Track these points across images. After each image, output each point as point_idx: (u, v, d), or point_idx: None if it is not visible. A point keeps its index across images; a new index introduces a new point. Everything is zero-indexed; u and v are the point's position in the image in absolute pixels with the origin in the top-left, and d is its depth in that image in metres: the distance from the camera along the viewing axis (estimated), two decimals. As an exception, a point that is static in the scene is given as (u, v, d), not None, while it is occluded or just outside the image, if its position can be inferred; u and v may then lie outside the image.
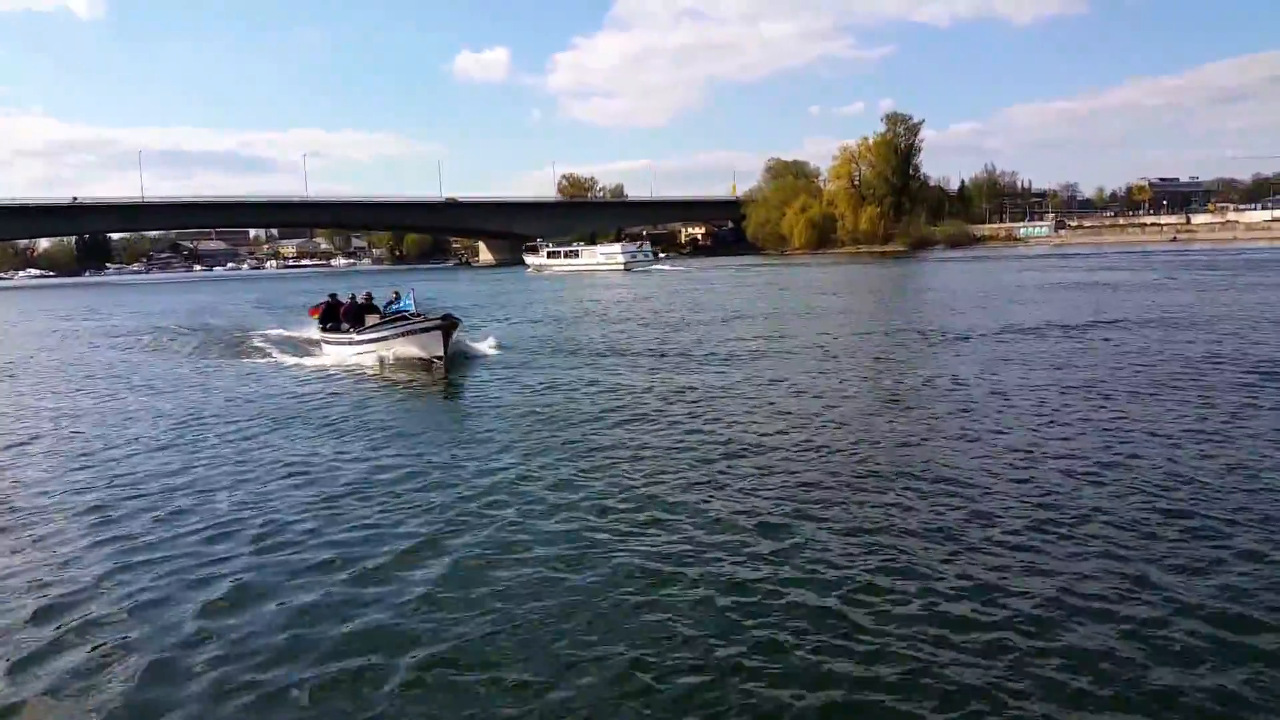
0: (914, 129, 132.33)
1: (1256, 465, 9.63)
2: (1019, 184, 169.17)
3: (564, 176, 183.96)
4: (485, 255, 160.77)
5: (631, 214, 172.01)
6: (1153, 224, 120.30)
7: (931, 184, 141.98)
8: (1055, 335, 22.10)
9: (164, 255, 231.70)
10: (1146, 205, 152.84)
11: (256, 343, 29.42)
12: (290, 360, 23.80)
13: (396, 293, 25.37)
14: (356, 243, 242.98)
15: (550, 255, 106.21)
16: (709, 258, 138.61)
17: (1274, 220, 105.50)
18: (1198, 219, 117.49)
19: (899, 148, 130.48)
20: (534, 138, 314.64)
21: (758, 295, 45.16)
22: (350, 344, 23.19)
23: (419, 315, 22.69)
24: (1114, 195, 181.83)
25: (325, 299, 27.28)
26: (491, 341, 24.64)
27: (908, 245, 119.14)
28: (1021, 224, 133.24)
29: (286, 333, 31.56)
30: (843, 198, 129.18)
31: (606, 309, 39.37)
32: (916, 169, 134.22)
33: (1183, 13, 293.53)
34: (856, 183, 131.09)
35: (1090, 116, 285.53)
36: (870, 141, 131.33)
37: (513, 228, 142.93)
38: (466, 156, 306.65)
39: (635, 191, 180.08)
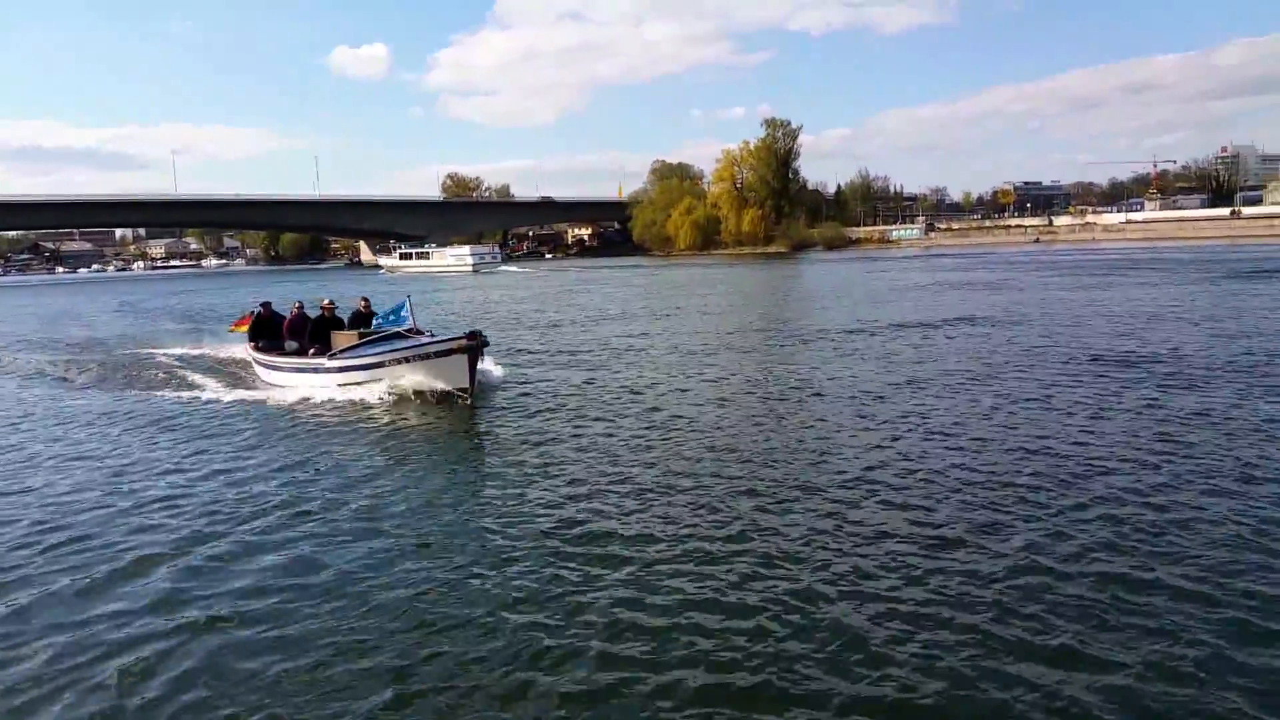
0: (792, 134, 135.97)
1: (1060, 434, 10.68)
2: (891, 188, 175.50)
3: (448, 176, 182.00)
4: (366, 255, 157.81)
5: (518, 214, 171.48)
6: (1017, 226, 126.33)
7: (810, 187, 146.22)
8: (921, 330, 23.40)
9: (23, 257, 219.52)
10: (1011, 208, 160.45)
11: (172, 366, 22.82)
12: (230, 394, 17.62)
13: (366, 300, 19.23)
14: (229, 243, 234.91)
15: (402, 257, 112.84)
16: (595, 258, 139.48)
17: (1128, 222, 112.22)
18: (1059, 221, 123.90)
19: (779, 152, 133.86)
20: (416, 136, 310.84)
21: (606, 296, 45.87)
22: (321, 371, 17.21)
23: (419, 331, 17.36)
24: (980, 198, 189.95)
25: (255, 309, 21.68)
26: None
27: (788, 247, 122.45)
28: (894, 227, 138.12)
29: (202, 351, 25.56)
30: (726, 200, 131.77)
31: (447, 306, 39.45)
32: (796, 173, 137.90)
33: (1044, 23, 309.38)
34: (739, 185, 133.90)
35: (957, 122, 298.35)
36: (751, 146, 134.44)
37: (395, 227, 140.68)
38: (345, 154, 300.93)
39: (521, 191, 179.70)
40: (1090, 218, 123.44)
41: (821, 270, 69.12)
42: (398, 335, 17.00)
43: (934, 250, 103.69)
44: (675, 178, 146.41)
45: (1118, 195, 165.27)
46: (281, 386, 17.99)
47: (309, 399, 16.44)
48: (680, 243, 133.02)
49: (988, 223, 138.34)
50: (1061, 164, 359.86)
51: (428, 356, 15.78)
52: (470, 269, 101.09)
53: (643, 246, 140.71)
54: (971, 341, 21.53)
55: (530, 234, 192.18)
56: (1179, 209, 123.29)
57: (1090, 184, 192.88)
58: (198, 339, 29.11)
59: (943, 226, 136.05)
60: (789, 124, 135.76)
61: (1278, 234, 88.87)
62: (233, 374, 20.81)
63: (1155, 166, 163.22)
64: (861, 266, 71.24)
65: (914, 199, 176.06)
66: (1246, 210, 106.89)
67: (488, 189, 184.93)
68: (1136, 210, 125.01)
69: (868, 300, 36.45)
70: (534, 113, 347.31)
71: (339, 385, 16.68)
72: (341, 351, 17.27)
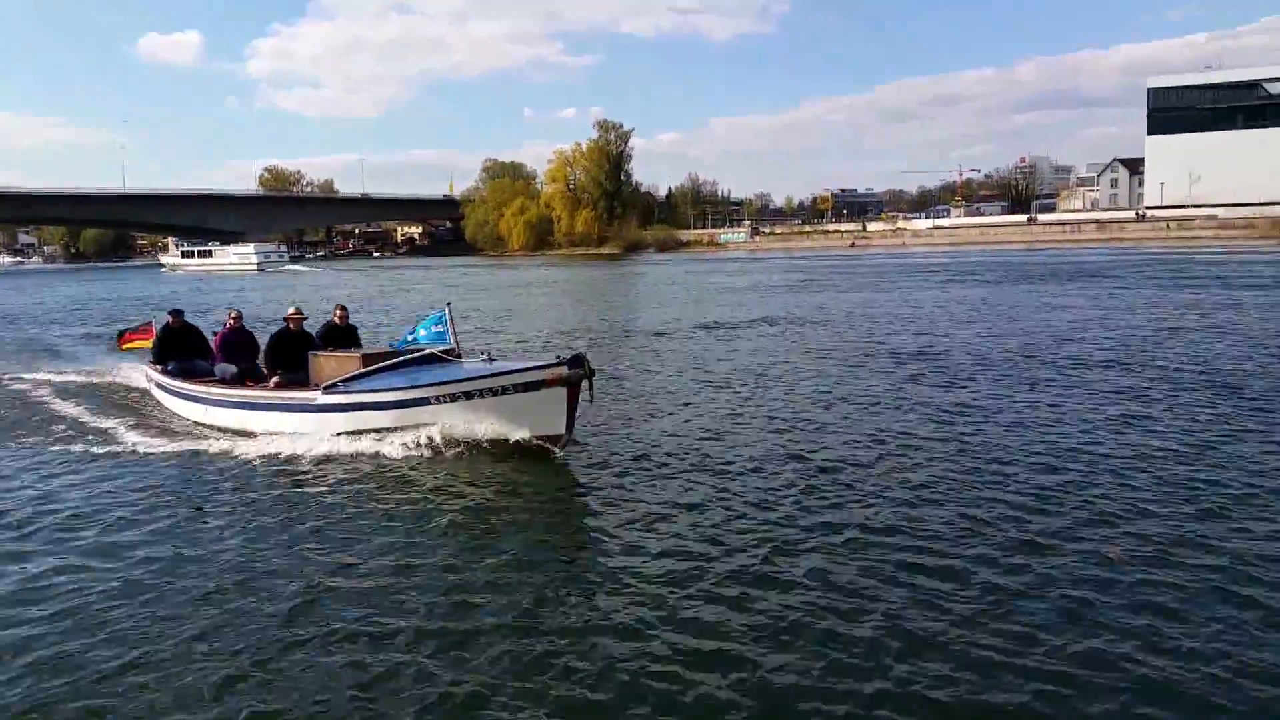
0: (624, 136, 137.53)
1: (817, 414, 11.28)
2: (719, 192, 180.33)
3: (267, 169, 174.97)
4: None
5: (343, 211, 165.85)
6: (835, 231, 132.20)
7: (642, 190, 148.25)
8: (751, 328, 24.19)
9: None
10: (829, 214, 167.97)
11: (37, 400, 16.04)
12: (147, 444, 12.18)
13: (343, 310, 13.70)
14: (25, 239, 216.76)
15: (184, 255, 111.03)
16: (424, 257, 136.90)
17: (935, 228, 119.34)
18: (873, 226, 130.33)
19: (611, 154, 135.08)
20: (232, 127, 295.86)
21: (421, 295, 45.29)
22: (308, 409, 11.77)
23: (459, 354, 12.37)
24: (802, 204, 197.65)
25: (162, 319, 15.76)
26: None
27: (621, 248, 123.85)
28: (722, 230, 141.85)
29: (70, 378, 18.30)
30: (559, 200, 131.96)
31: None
32: (628, 175, 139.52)
33: (858, 38, 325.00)
34: (572, 186, 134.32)
35: (781, 131, 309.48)
36: (584, 147, 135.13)
37: (207, 223, 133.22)
38: (154, 145, 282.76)
39: (347, 188, 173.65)
40: (901, 224, 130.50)
41: (656, 271, 70.31)
42: (431, 359, 11.96)
43: (760, 253, 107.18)
44: (508, 177, 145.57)
45: (927, 202, 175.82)
46: (226, 431, 12.53)
47: (280, 453, 11.18)
48: (513, 243, 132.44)
49: (808, 228, 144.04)
50: (876, 172, 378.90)
51: (502, 391, 10.56)
52: (255, 268, 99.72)
53: (475, 246, 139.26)
54: (782, 340, 22.40)
55: (356, 232, 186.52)
56: (982, 215, 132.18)
57: (901, 192, 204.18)
58: (55, 357, 22.35)
59: (767, 231, 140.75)
60: (621, 126, 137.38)
61: (1069, 239, 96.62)
62: (140, 412, 14.58)
63: (961, 175, 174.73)
64: (695, 268, 72.90)
65: (740, 204, 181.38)
66: (1042, 217, 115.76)
67: (310, 184, 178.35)
68: (944, 217, 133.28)
69: (707, 300, 37.35)
70: (358, 106, 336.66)
71: (339, 433, 11.34)
72: (343, 382, 11.55)
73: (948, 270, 53.96)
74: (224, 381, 13.41)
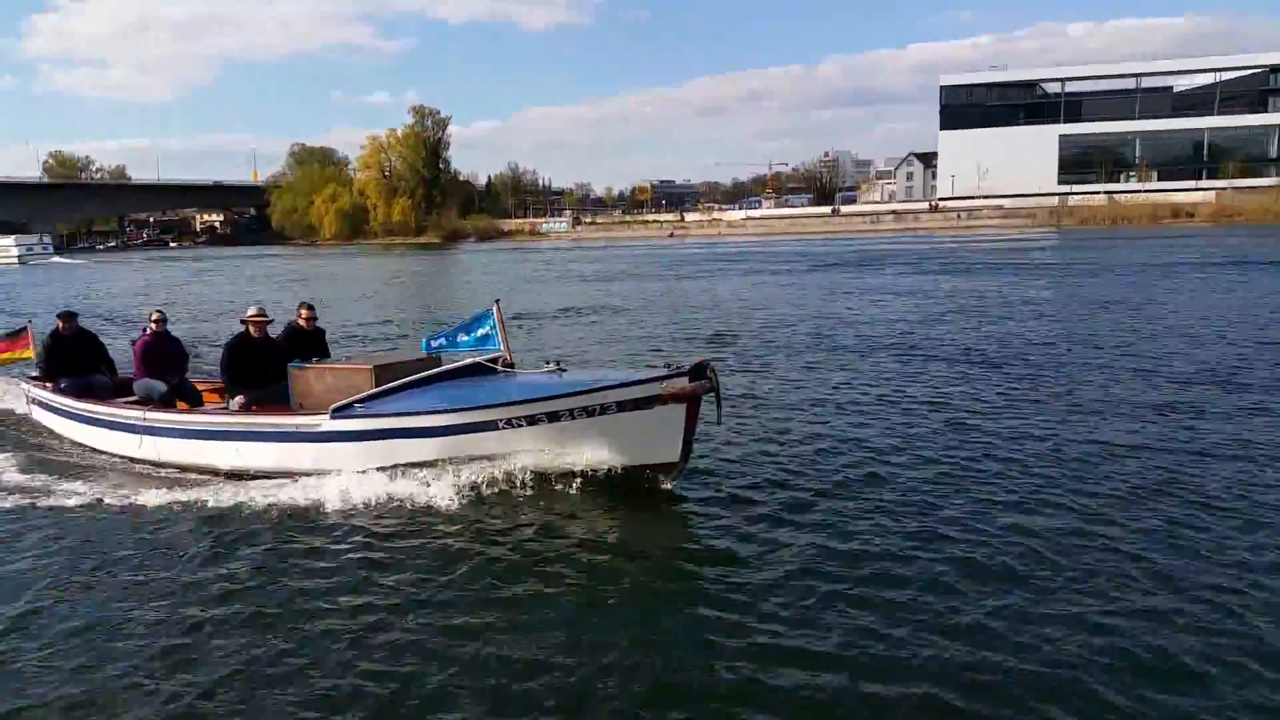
0: (441, 123, 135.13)
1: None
2: (540, 182, 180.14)
3: (51, 154, 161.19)
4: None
5: (137, 198, 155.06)
6: (654, 221, 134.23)
7: (461, 179, 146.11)
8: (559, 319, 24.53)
9: None
10: (649, 204, 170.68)
11: None
12: (60, 486, 9.61)
13: (308, 310, 11.02)
14: None
15: None
16: (227, 247, 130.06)
17: (748, 219, 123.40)
18: (690, 217, 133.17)
19: (428, 141, 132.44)
20: (9, 110, 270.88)
21: (211, 289, 43.60)
22: (314, 438, 9.16)
23: (511, 363, 9.99)
24: (622, 194, 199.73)
25: (55, 324, 12.16)
26: None
27: (441, 237, 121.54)
28: (544, 220, 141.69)
29: None
30: (374, 188, 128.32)
31: None
32: (446, 163, 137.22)
33: (669, 32, 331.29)
34: (387, 174, 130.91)
35: (599, 121, 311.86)
36: (399, 133, 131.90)
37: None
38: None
39: (140, 174, 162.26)
40: (717, 214, 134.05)
41: (481, 260, 69.64)
42: (477, 369, 9.74)
43: (582, 243, 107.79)
44: (318, 163, 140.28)
45: (740, 194, 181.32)
46: (177, 469, 9.96)
47: (271, 499, 8.65)
48: (325, 232, 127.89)
49: (629, 218, 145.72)
50: (692, 164, 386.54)
51: (602, 410, 8.34)
52: (16, 261, 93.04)
53: (283, 235, 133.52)
54: (596, 326, 22.95)
55: (152, 221, 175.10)
56: (790, 207, 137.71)
57: (716, 183, 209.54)
58: None
59: (588, 220, 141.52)
60: (438, 113, 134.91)
61: (870, 229, 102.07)
62: (28, 447, 11.53)
63: (770, 168, 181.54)
64: (518, 256, 72.63)
65: (561, 193, 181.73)
66: (845, 209, 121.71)
67: (100, 170, 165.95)
68: (755, 208, 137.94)
69: (530, 287, 37.45)
70: (151, 88, 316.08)
71: (359, 469, 8.81)
72: (360, 403, 9.07)
73: (760, 258, 56.15)
74: (153, 403, 10.61)
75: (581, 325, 23.38)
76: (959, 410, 11.64)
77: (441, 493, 8.41)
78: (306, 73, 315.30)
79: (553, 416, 8.43)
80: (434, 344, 10.37)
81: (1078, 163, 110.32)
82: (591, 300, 30.56)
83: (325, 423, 9.07)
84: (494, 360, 9.77)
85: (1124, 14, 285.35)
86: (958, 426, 10.75)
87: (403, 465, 8.77)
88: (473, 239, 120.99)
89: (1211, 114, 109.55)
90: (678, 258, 60.83)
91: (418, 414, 8.78)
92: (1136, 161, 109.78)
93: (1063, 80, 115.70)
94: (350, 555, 7.39)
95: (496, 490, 8.47)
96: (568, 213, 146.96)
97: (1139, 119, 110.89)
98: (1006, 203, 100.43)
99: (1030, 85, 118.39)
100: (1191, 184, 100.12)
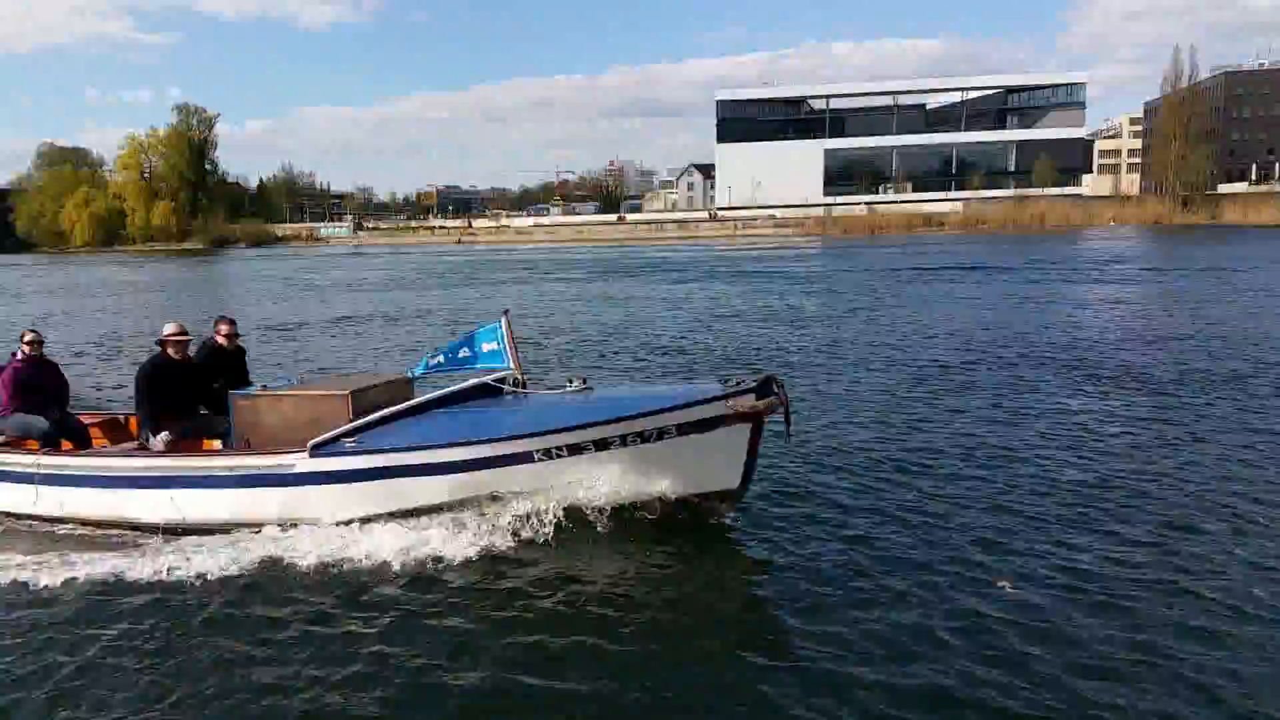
0: (208, 121, 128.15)
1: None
2: (318, 185, 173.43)
3: None
4: None
5: None
6: (441, 227, 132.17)
7: (230, 181, 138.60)
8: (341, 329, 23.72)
9: None
10: (435, 209, 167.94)
11: None
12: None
13: (228, 326, 9.21)
14: None
15: None
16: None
17: (537, 226, 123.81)
18: (479, 223, 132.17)
19: (193, 141, 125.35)
20: None
21: None
22: (289, 480, 7.47)
23: (511, 378, 8.62)
24: (406, 199, 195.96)
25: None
26: None
27: (207, 243, 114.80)
28: (323, 224, 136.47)
29: None
30: (133, 191, 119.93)
31: None
32: (214, 164, 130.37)
33: (451, 36, 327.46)
34: (147, 175, 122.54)
35: (382, 123, 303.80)
36: (161, 133, 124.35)
37: None
38: None
39: None
40: (505, 221, 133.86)
41: (251, 268, 66.04)
42: (484, 390, 8.52)
43: (364, 249, 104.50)
44: (70, 164, 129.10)
45: (528, 200, 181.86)
46: (92, 526, 8.16)
47: (230, 561, 7.00)
48: (77, 238, 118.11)
49: (414, 223, 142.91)
50: (478, 170, 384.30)
51: (660, 435, 7.23)
52: None
53: (28, 243, 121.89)
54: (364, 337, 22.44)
55: None
56: (578, 214, 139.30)
57: (504, 190, 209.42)
58: None
59: (371, 225, 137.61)
60: (204, 111, 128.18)
61: (655, 236, 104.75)
62: None
63: (558, 176, 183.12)
64: (294, 264, 69.33)
65: (342, 198, 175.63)
66: (630, 216, 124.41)
67: None
68: (544, 215, 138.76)
69: (302, 295, 35.88)
70: None
71: (344, 520, 7.46)
72: (346, 436, 7.49)
73: (552, 265, 56.41)
74: (45, 443, 8.63)
75: (354, 334, 22.65)
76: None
77: (456, 543, 7.03)
78: (56, 68, 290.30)
79: (601, 444, 7.22)
80: (431, 363, 8.95)
81: (841, 175, 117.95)
82: (370, 308, 29.66)
83: (301, 462, 7.39)
84: (502, 380, 8.51)
85: (883, 35, 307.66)
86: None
87: (399, 510, 7.42)
88: (242, 245, 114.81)
89: (959, 130, 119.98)
90: (462, 264, 60.08)
91: (431, 447, 7.28)
92: (894, 174, 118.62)
93: (827, 97, 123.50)
94: (344, 631, 5.90)
95: (523, 537, 7.15)
96: (349, 218, 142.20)
97: (896, 134, 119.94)
98: (779, 213, 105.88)
99: (798, 102, 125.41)
100: (942, 195, 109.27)
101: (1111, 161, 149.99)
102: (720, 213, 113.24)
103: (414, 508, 7.42)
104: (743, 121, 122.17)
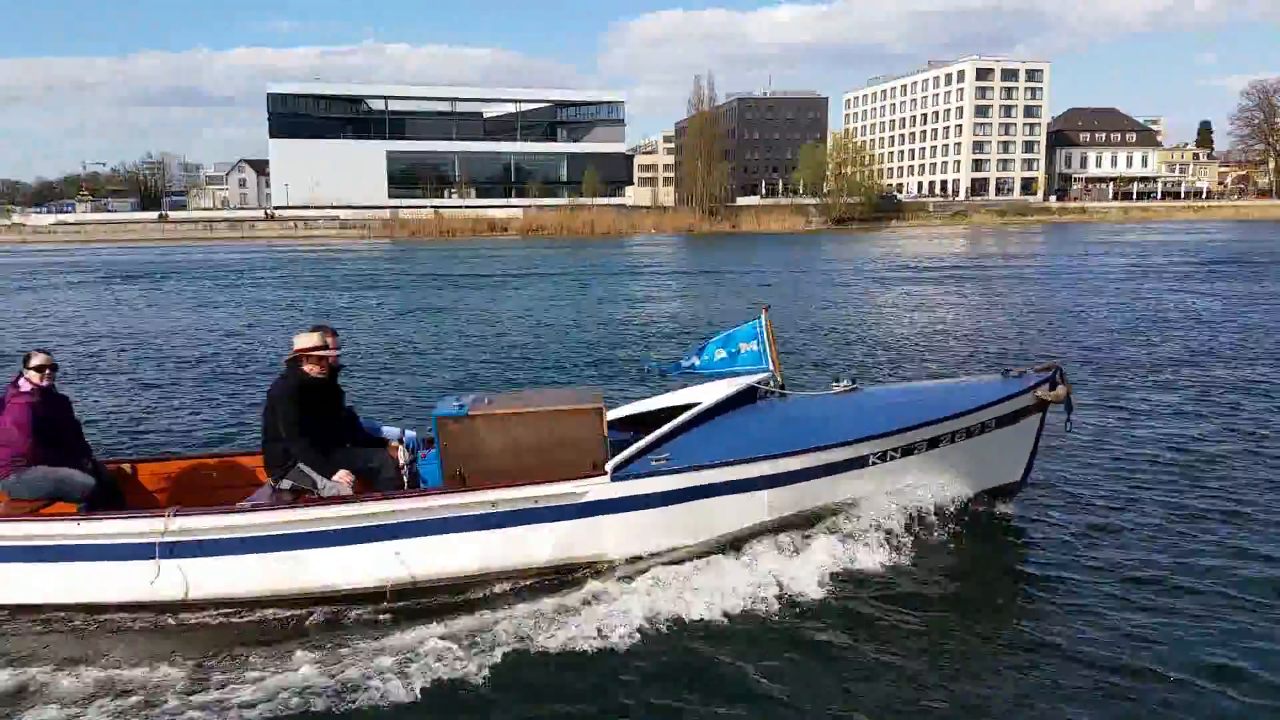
0: None
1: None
2: None
3: None
4: None
5: None
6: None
7: None
8: None
9: None
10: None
11: None
12: None
13: (330, 342, 6.73)
14: None
15: None
16: None
17: (60, 224, 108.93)
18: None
19: None
20: None
21: None
22: (577, 511, 6.24)
23: (772, 379, 7.60)
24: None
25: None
26: None
27: None
28: None
29: None
30: None
31: None
32: None
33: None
34: None
35: None
36: None
37: None
38: None
39: None
40: (19, 218, 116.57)
41: None
42: (751, 395, 7.55)
43: None
44: None
45: (48, 195, 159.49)
46: (230, 607, 6.23)
47: (515, 627, 5.75)
48: None
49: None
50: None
51: (980, 430, 7.23)
52: None
53: None
54: None
55: None
56: (112, 212, 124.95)
57: (16, 182, 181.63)
58: None
59: None
60: None
61: (205, 237, 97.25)
62: None
63: (85, 168, 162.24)
64: None
65: None
66: (175, 215, 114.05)
67: None
68: (69, 212, 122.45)
69: None
70: None
71: (648, 553, 6.50)
72: (643, 455, 6.48)
73: (84, 269, 50.43)
74: (89, 504, 6.56)
75: None
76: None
77: (803, 565, 6.40)
78: None
79: (933, 443, 7.07)
80: (685, 365, 8.22)
81: (406, 178, 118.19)
82: None
83: (594, 489, 6.33)
84: (764, 383, 7.67)
85: (437, 40, 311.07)
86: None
87: (716, 536, 6.65)
88: None
89: (515, 140, 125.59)
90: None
91: (757, 460, 6.59)
92: (457, 179, 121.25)
93: (386, 98, 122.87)
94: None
95: (864, 546, 6.65)
96: None
97: (456, 140, 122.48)
98: (343, 214, 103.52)
99: (356, 100, 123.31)
100: (504, 201, 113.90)
101: (650, 175, 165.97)
102: (278, 212, 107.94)
103: (729, 532, 6.71)
104: (297, 117, 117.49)
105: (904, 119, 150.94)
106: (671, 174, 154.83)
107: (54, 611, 6.19)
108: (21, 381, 6.77)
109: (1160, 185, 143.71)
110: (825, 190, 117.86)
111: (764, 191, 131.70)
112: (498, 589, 6.30)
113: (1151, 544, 7.08)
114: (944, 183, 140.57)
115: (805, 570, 6.31)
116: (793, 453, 6.68)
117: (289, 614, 6.14)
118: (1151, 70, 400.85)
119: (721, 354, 7.98)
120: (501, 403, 6.68)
